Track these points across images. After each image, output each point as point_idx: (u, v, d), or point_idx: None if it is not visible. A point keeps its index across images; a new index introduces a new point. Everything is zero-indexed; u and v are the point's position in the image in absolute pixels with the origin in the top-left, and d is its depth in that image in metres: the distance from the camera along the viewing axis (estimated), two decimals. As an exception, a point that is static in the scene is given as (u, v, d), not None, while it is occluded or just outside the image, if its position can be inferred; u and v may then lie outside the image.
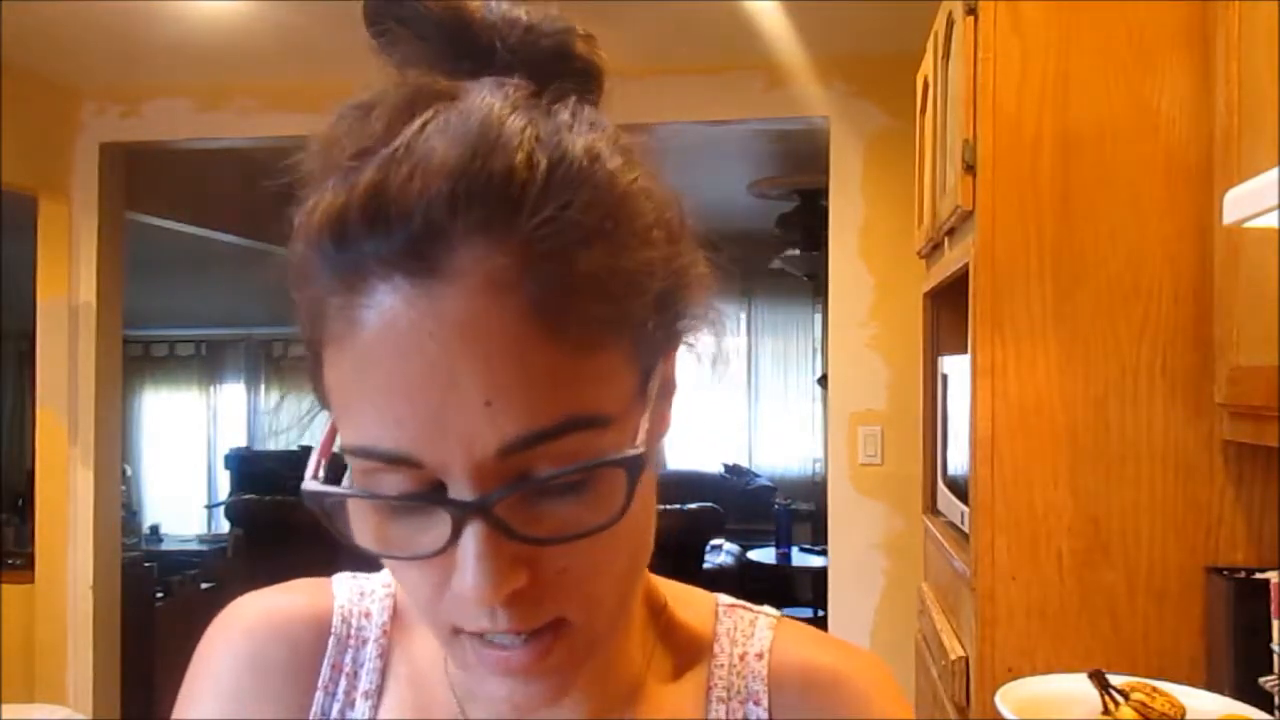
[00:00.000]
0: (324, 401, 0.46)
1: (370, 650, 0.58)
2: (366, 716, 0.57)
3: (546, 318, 0.41)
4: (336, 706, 0.57)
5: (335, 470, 0.47)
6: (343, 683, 0.58)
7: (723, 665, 0.58)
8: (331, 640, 0.58)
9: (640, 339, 0.46)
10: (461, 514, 0.42)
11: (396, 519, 0.45)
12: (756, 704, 0.57)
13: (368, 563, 0.64)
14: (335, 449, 0.47)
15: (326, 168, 0.44)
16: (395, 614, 0.60)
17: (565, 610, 0.46)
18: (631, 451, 0.44)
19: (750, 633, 0.59)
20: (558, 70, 0.48)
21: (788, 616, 0.62)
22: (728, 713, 0.57)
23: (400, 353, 0.41)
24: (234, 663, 0.58)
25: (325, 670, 0.58)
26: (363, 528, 0.46)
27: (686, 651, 0.59)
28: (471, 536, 0.42)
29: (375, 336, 0.42)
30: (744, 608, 0.61)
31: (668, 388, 0.51)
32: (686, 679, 0.58)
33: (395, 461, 0.43)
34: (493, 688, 0.47)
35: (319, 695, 0.57)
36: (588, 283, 0.42)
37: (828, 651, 0.59)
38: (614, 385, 0.44)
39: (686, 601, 0.62)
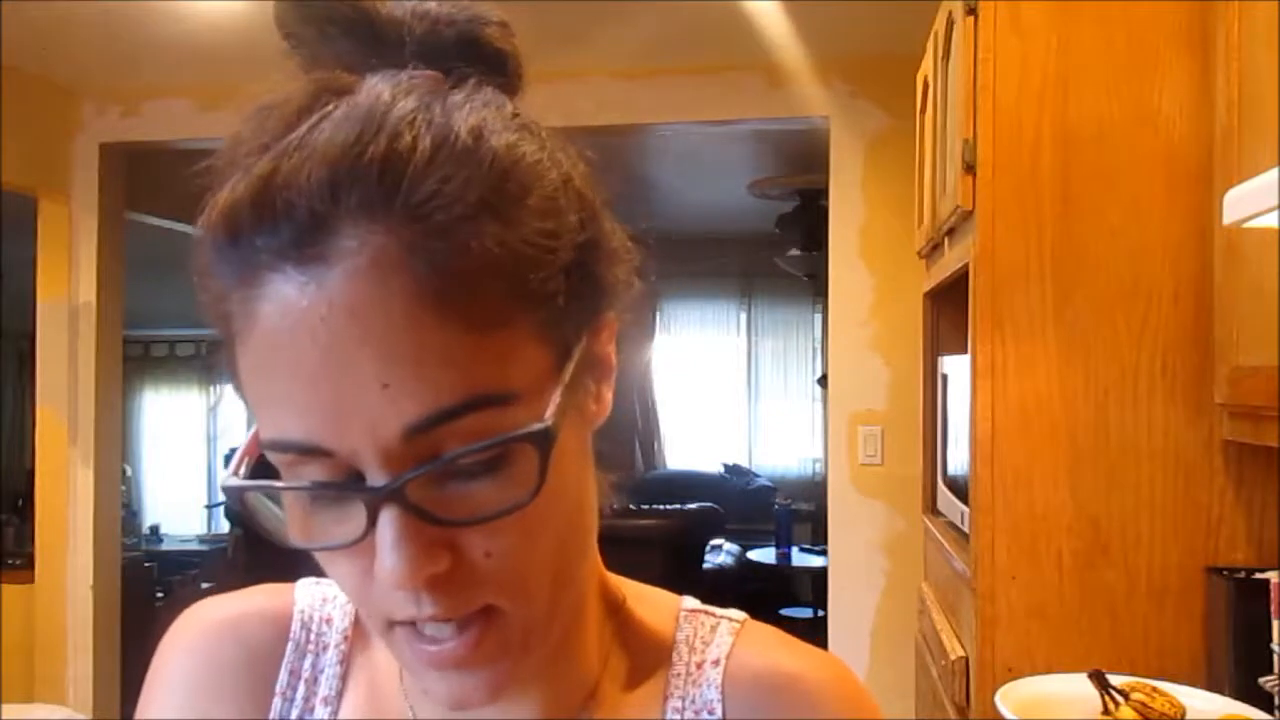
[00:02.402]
0: (244, 399, 0.46)
1: (331, 656, 0.58)
2: None
3: (438, 296, 0.41)
4: (295, 711, 0.57)
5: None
6: (301, 688, 0.57)
7: (679, 674, 0.57)
8: (290, 645, 0.58)
9: (550, 314, 0.45)
10: (374, 498, 0.42)
11: (319, 511, 0.45)
12: (711, 713, 0.55)
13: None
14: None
15: (230, 165, 0.44)
16: (357, 620, 0.59)
17: (494, 598, 0.45)
18: (538, 425, 0.43)
19: (710, 639, 0.58)
20: (465, 58, 0.48)
21: (754, 620, 0.60)
22: None
23: (296, 341, 0.41)
24: (190, 666, 0.58)
25: (283, 675, 0.57)
26: (291, 520, 0.46)
27: (645, 655, 0.58)
28: (387, 521, 0.42)
29: (273, 328, 0.42)
30: (706, 613, 0.60)
31: (603, 368, 0.51)
32: (644, 686, 0.57)
33: (307, 452, 0.43)
34: (433, 684, 0.47)
35: (276, 700, 0.57)
36: (479, 258, 0.42)
37: (786, 655, 0.57)
38: (522, 362, 0.44)
39: (648, 601, 0.60)
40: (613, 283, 0.50)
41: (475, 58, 0.48)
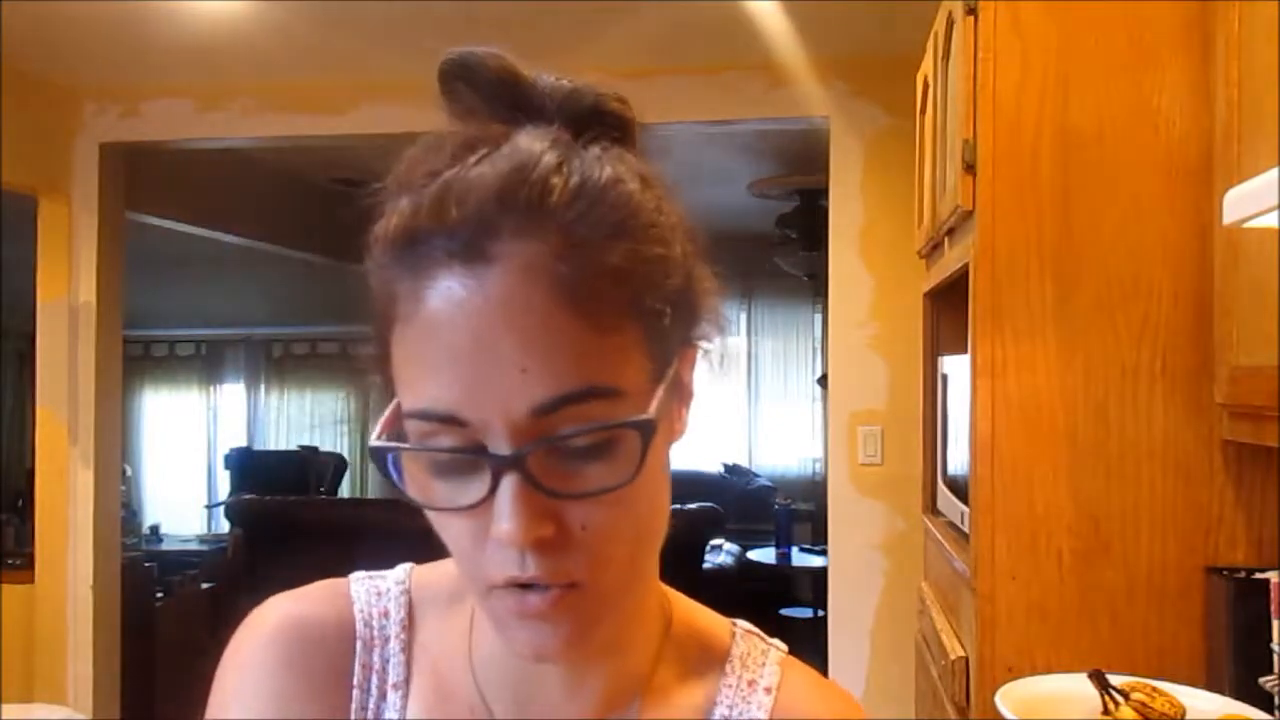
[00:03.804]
0: (389, 382, 0.54)
1: (394, 646, 0.64)
2: (398, 705, 0.62)
3: (574, 298, 0.49)
4: (371, 702, 0.63)
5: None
6: (374, 679, 0.63)
7: (731, 685, 0.64)
8: (358, 643, 0.63)
9: (656, 329, 0.53)
10: (500, 465, 0.50)
11: (443, 477, 0.52)
12: None
13: (375, 564, 0.68)
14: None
15: (401, 189, 0.53)
16: (410, 611, 0.65)
17: (580, 571, 0.52)
18: (644, 416, 0.51)
19: (762, 663, 0.65)
20: (594, 123, 0.56)
21: (791, 656, 0.67)
22: None
23: (453, 326, 0.50)
24: (272, 665, 0.62)
25: (357, 670, 0.63)
26: (414, 485, 0.53)
27: (697, 661, 0.65)
28: (507, 487, 0.50)
29: (435, 312, 0.50)
30: (759, 636, 0.68)
31: (684, 392, 0.59)
32: (695, 687, 0.64)
33: (446, 421, 0.50)
34: (517, 633, 0.54)
35: (355, 693, 0.62)
36: (609, 271, 0.50)
37: (828, 704, 0.65)
38: (630, 364, 0.52)
39: (700, 612, 0.68)
40: (703, 315, 0.58)
41: (602, 124, 0.57)
